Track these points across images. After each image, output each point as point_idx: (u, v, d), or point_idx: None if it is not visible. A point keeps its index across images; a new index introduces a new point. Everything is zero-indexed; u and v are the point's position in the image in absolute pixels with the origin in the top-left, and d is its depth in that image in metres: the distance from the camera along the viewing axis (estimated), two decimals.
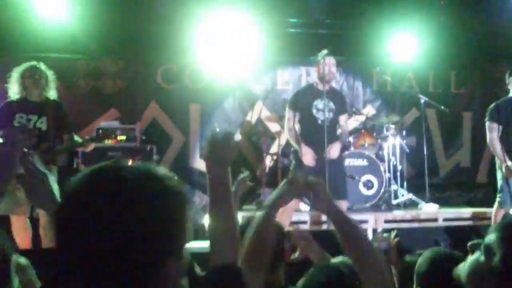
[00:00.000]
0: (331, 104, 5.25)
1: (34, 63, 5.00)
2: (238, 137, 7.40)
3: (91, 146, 5.16)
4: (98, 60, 7.12)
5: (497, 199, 5.40)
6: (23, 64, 4.98)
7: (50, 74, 5.04)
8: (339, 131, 5.71)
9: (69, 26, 6.21)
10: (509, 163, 5.15)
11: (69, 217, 1.05)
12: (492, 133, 5.37)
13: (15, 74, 4.91)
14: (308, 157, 5.11)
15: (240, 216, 5.76)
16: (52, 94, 5.04)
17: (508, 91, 5.49)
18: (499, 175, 5.43)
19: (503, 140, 5.32)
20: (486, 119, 5.48)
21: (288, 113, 5.39)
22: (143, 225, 1.02)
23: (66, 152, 5.58)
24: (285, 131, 5.72)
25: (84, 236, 1.00)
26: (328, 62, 5.19)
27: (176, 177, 1.17)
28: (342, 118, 5.49)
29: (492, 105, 5.51)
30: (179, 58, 7.23)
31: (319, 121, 5.20)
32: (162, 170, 1.16)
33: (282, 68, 7.64)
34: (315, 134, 5.20)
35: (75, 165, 5.99)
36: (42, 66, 5.01)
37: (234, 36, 6.82)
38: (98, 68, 7.14)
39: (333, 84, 5.93)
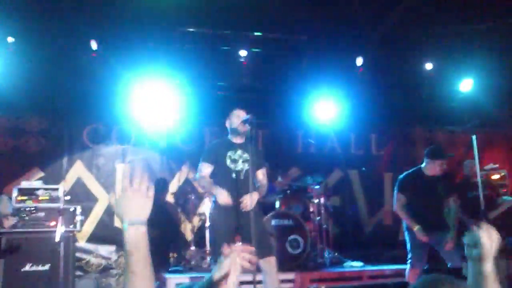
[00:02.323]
0: (246, 155, 4.96)
1: None
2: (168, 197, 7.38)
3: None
4: (21, 118, 6.98)
5: (408, 261, 5.70)
6: None
7: None
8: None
9: None
10: (416, 227, 5.49)
11: None
12: (398, 202, 5.73)
13: None
14: (223, 196, 4.75)
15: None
16: None
17: (422, 162, 5.84)
18: (407, 237, 5.76)
19: (410, 207, 5.68)
20: (395, 189, 5.84)
21: (201, 166, 5.04)
22: None
23: None
24: (197, 182, 5.53)
25: None
26: (238, 114, 4.99)
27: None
28: (260, 172, 5.17)
29: (401, 176, 5.87)
30: (105, 117, 7.22)
31: (233, 173, 4.92)
32: None
33: (210, 129, 7.77)
34: (230, 185, 4.88)
35: None
36: None
37: (162, 97, 6.92)
38: (20, 126, 6.97)
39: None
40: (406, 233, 5.77)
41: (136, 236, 1.57)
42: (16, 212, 5.54)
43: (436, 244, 5.56)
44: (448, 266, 5.44)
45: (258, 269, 4.75)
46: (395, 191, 5.81)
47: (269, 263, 4.71)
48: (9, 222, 4.61)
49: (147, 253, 1.58)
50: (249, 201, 4.73)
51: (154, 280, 1.58)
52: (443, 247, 5.43)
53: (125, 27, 6.15)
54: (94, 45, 6.29)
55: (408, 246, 5.73)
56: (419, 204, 5.64)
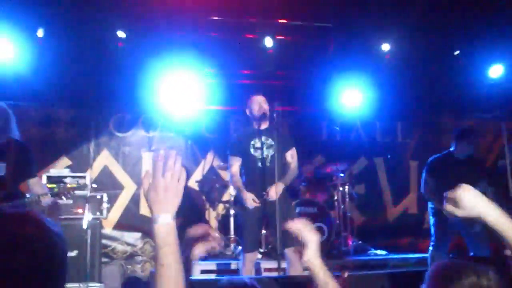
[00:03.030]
0: (270, 141, 4.94)
1: None
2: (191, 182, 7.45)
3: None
4: (50, 107, 7.10)
5: (431, 244, 5.68)
6: None
7: (8, 113, 4.58)
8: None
9: (21, 73, 6.16)
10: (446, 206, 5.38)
11: None
12: (426, 185, 5.67)
13: None
14: (249, 202, 4.81)
15: None
16: (14, 134, 4.55)
17: (450, 146, 5.76)
18: (432, 220, 5.72)
19: (439, 191, 5.55)
20: (423, 172, 5.77)
21: (230, 160, 5.10)
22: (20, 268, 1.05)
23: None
24: (229, 181, 5.55)
25: None
26: (257, 100, 5.01)
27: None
28: (288, 154, 5.11)
29: (430, 159, 5.79)
30: (132, 106, 7.30)
31: (258, 162, 4.92)
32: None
33: (235, 117, 7.79)
34: (257, 174, 4.92)
35: None
36: None
37: (187, 87, 6.94)
38: (49, 115, 7.10)
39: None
40: (432, 218, 5.69)
41: (166, 229, 1.55)
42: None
43: (463, 230, 5.48)
44: (471, 254, 5.36)
45: (283, 257, 4.80)
46: (424, 174, 5.73)
47: (295, 252, 4.73)
48: (47, 199, 4.53)
49: (176, 246, 1.56)
50: (274, 192, 4.73)
51: (183, 273, 1.58)
52: (469, 234, 5.36)
53: (151, 16, 6.16)
54: (121, 34, 6.32)
55: (433, 230, 5.66)
56: (448, 188, 5.52)
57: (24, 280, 1.05)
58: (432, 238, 5.66)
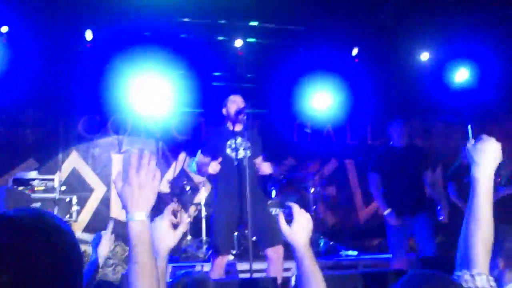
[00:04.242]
0: (246, 143, 4.84)
1: None
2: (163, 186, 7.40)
3: None
4: (16, 108, 6.97)
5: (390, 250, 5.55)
6: None
7: None
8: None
9: None
10: (386, 211, 5.34)
11: None
12: (371, 183, 5.62)
13: None
14: (213, 165, 4.68)
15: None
16: None
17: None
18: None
19: (384, 187, 5.51)
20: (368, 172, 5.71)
21: (198, 156, 4.97)
22: (36, 276, 1.01)
23: None
24: (192, 167, 5.29)
25: None
26: (234, 99, 4.92)
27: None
28: (258, 160, 5.10)
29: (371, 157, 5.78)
30: (101, 108, 7.22)
31: (235, 161, 4.83)
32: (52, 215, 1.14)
33: (205, 119, 7.77)
34: (232, 175, 4.81)
35: None
36: None
37: (158, 88, 6.90)
38: (15, 116, 6.96)
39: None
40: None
41: (140, 227, 1.56)
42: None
43: (411, 228, 5.37)
44: (420, 256, 5.26)
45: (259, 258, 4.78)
46: (368, 173, 5.66)
47: (277, 252, 4.70)
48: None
49: (151, 244, 1.58)
50: (267, 166, 4.84)
51: (156, 271, 1.58)
52: (419, 233, 5.28)
53: (120, 16, 6.11)
54: (89, 35, 6.25)
55: (387, 233, 5.51)
56: (393, 183, 5.42)
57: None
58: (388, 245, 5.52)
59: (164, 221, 1.98)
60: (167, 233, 1.96)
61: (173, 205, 2.04)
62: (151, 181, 1.60)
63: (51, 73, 6.54)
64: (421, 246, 5.33)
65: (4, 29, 5.86)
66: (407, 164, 5.41)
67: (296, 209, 2.01)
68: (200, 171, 5.05)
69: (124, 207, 1.59)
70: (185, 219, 1.83)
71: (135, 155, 1.59)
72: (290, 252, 5.64)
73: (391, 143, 5.65)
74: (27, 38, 6.12)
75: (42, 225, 1.08)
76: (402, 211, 5.30)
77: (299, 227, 1.96)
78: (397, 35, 7.26)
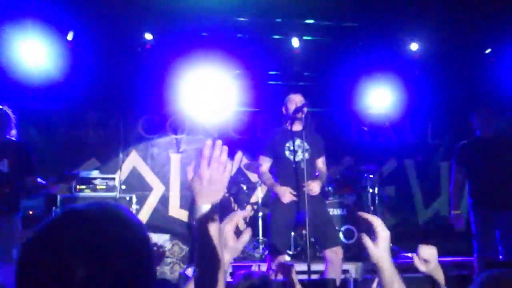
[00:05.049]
0: (305, 145, 4.75)
1: None
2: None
3: (57, 187, 4.81)
4: (79, 110, 7.21)
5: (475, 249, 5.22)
6: None
7: (10, 112, 4.78)
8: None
9: (51, 76, 6.25)
10: (457, 211, 5.15)
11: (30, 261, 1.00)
12: (454, 177, 5.33)
13: None
14: (286, 196, 4.66)
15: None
16: (13, 134, 4.80)
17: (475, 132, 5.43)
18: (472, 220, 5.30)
19: (470, 181, 5.22)
20: (453, 165, 5.42)
21: (261, 160, 5.00)
22: (111, 269, 1.00)
23: (29, 196, 5.28)
24: (259, 178, 5.36)
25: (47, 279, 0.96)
26: (294, 99, 4.88)
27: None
28: (320, 161, 5.05)
29: (456, 148, 5.45)
30: (160, 108, 7.35)
31: (293, 164, 4.77)
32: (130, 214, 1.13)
33: (262, 118, 7.76)
34: (290, 177, 4.78)
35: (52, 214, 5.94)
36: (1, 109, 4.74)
37: (214, 88, 6.95)
38: (79, 118, 7.21)
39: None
40: (471, 215, 5.23)
41: (208, 218, 1.54)
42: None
43: (501, 227, 4.99)
44: (501, 259, 4.92)
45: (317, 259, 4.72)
46: (453, 166, 5.37)
47: (335, 253, 4.66)
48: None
49: (216, 235, 1.55)
50: (317, 184, 4.66)
51: (222, 263, 1.56)
52: (507, 232, 4.89)
53: (178, 18, 6.19)
54: (148, 36, 6.37)
55: (473, 230, 5.16)
56: (481, 176, 5.09)
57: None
58: (474, 242, 5.18)
59: (231, 226, 1.89)
60: (232, 241, 1.84)
61: (244, 212, 1.96)
62: (221, 175, 1.58)
63: (112, 75, 6.72)
64: (507, 247, 4.94)
65: (70, 35, 6.06)
66: (496, 155, 5.07)
67: (377, 221, 1.83)
68: (262, 182, 5.10)
69: (194, 199, 1.57)
70: (248, 231, 1.72)
71: (208, 146, 1.56)
72: (348, 254, 5.62)
73: (477, 133, 5.32)
74: (89, 41, 6.31)
75: (114, 218, 1.08)
76: (490, 206, 4.99)
77: (384, 244, 1.80)
78: (459, 29, 6.98)
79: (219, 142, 1.59)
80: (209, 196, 1.55)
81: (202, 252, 1.54)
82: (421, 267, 1.89)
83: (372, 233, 1.82)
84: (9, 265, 4.27)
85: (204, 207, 1.55)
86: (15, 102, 6.11)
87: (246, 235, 1.85)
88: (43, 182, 4.75)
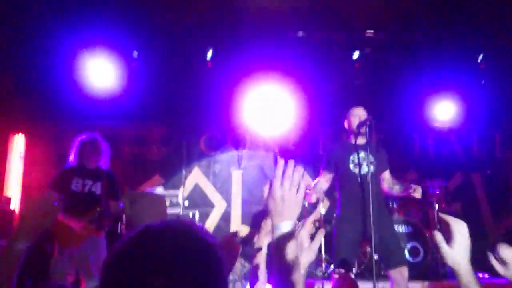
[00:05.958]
0: (370, 157, 4.63)
1: (94, 135, 5.17)
2: None
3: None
4: (144, 127, 7.39)
5: None
6: (84, 134, 5.16)
7: (106, 145, 5.22)
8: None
9: (116, 94, 6.45)
10: None
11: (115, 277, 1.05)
12: None
13: (76, 143, 5.12)
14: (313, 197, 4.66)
15: None
16: (104, 163, 5.21)
17: None
18: None
19: None
20: None
21: (322, 175, 4.87)
22: (187, 285, 1.03)
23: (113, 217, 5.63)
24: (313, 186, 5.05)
25: None
26: (357, 113, 4.77)
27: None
28: (386, 174, 4.95)
29: None
30: (221, 125, 7.43)
31: (358, 177, 4.64)
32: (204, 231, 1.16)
33: (323, 132, 7.69)
34: (356, 190, 4.64)
35: (119, 230, 6.07)
36: (99, 138, 5.20)
37: (275, 102, 6.96)
38: (143, 135, 7.39)
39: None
40: None
41: (286, 238, 1.53)
42: None
43: None
44: None
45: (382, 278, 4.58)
46: None
47: (401, 274, 4.48)
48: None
49: (296, 252, 1.54)
50: (420, 189, 4.59)
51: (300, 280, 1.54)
52: None
53: (238, 34, 6.26)
54: (209, 55, 6.46)
55: None
56: None
57: None
58: None
59: (304, 231, 1.92)
60: (307, 242, 1.89)
61: (315, 214, 1.98)
62: (295, 193, 1.56)
63: (175, 93, 6.87)
64: None
65: (135, 54, 6.27)
66: None
67: (459, 225, 1.75)
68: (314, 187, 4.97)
69: (271, 218, 1.57)
70: (322, 231, 1.74)
71: (280, 166, 1.55)
72: (413, 272, 5.39)
73: None
74: (153, 61, 6.48)
75: (188, 236, 1.11)
76: None
77: (460, 248, 1.69)
78: None
79: (291, 161, 1.57)
80: (284, 216, 1.54)
81: (280, 272, 1.52)
82: (499, 269, 1.73)
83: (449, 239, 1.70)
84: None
85: (280, 225, 1.53)
86: (82, 121, 6.37)
87: (320, 235, 1.88)
88: (122, 205, 5.22)
